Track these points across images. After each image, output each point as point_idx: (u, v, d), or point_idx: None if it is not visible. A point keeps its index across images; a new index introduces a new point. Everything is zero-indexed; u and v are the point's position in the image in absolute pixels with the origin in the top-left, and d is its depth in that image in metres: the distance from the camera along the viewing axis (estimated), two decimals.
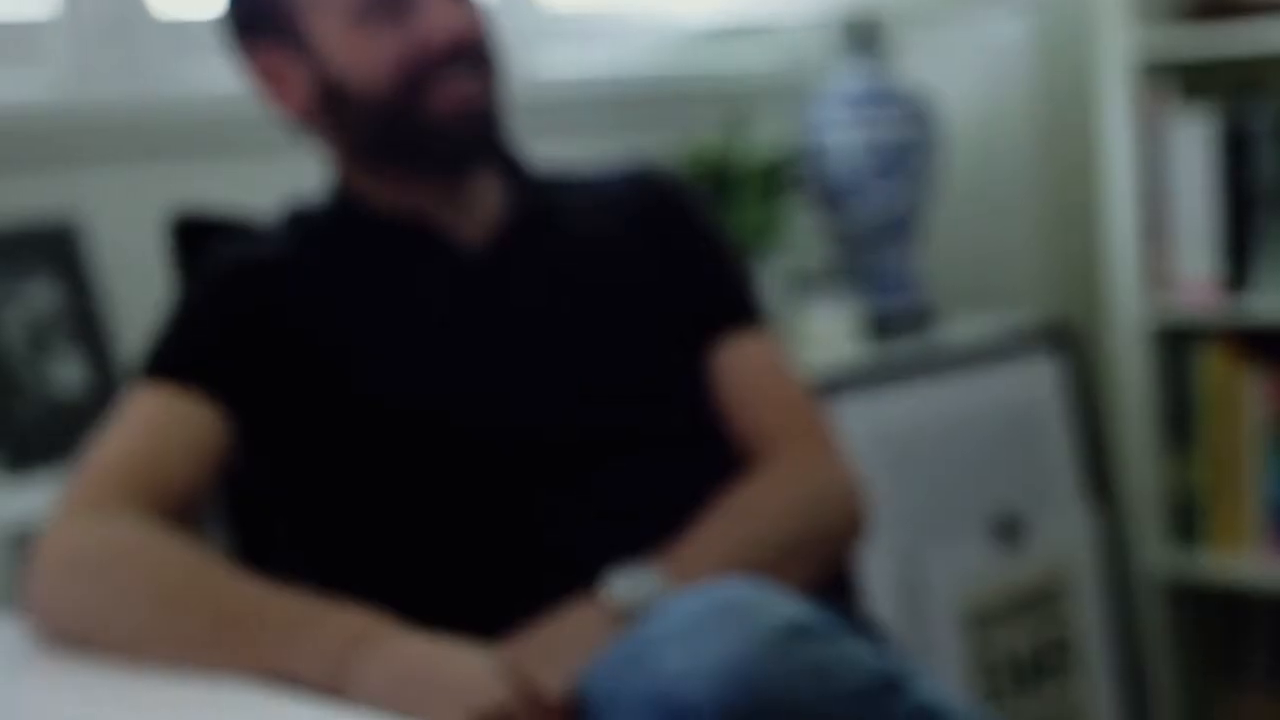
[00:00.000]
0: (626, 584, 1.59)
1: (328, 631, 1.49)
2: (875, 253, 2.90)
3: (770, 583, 1.48)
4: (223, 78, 1.96)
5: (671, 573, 1.61)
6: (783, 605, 1.37)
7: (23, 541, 1.87)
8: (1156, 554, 2.91)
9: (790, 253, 2.94)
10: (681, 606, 1.40)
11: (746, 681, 1.29)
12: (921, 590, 2.64)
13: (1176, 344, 2.90)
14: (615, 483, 1.69)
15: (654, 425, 1.75)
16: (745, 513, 1.70)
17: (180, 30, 2.41)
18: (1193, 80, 2.88)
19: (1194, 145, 2.82)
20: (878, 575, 2.55)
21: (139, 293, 2.14)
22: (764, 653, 1.31)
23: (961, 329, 2.97)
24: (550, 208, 1.83)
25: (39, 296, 2.20)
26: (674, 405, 1.78)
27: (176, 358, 1.72)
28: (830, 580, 1.79)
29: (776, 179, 2.88)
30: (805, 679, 1.31)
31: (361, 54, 1.73)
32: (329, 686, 1.45)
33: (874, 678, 1.34)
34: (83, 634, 1.55)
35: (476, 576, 1.68)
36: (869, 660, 1.36)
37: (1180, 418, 2.90)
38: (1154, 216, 2.86)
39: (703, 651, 1.32)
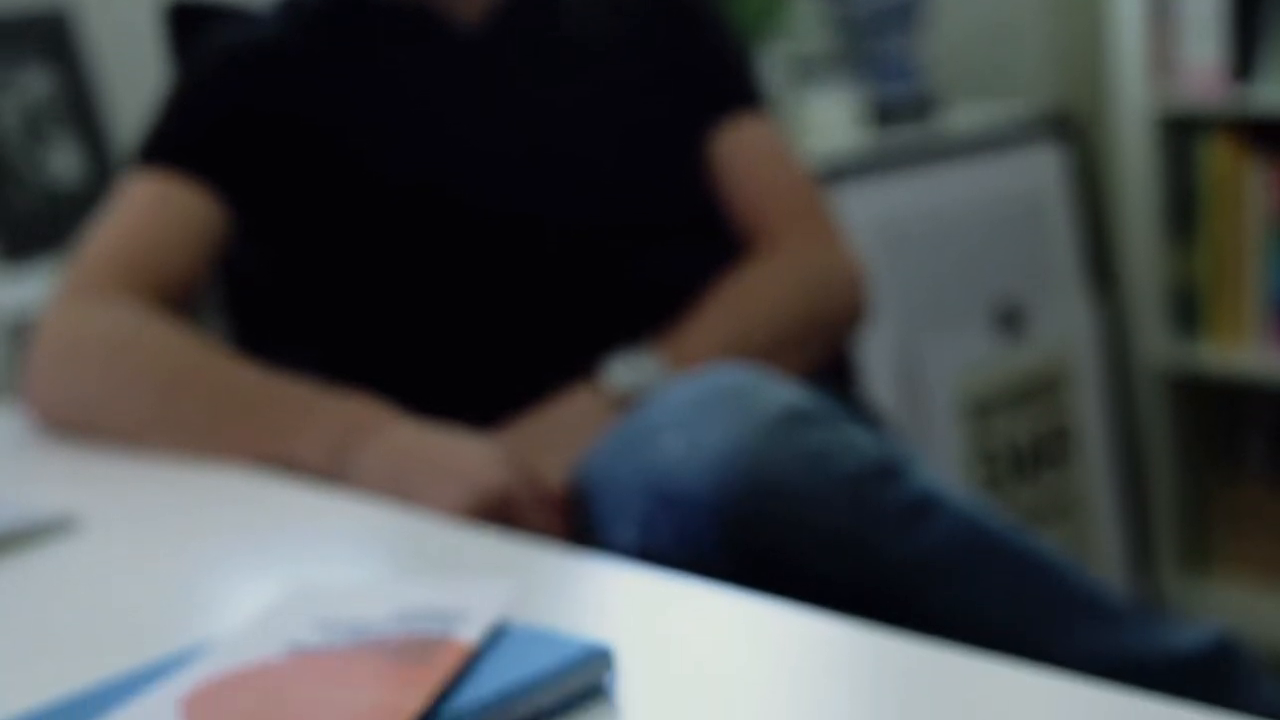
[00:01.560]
0: (625, 370, 1.59)
1: (328, 418, 1.49)
2: (878, 39, 2.88)
3: (769, 368, 1.48)
4: None
5: (670, 358, 1.61)
6: (781, 391, 1.37)
7: (21, 330, 1.87)
8: (1157, 344, 2.92)
9: (792, 39, 2.91)
10: (679, 393, 1.40)
11: (744, 467, 1.29)
12: (921, 379, 2.65)
13: (1181, 133, 2.88)
14: (615, 268, 1.69)
15: (653, 210, 1.74)
16: (745, 298, 1.69)
17: None
18: None
19: None
20: (877, 364, 2.55)
21: (134, 80, 2.13)
22: (761, 438, 1.31)
23: (964, 117, 2.95)
24: None
25: (34, 85, 2.18)
26: (674, 190, 1.77)
27: (172, 144, 1.70)
28: (829, 367, 1.78)
29: None
30: (803, 464, 1.31)
31: None
32: (328, 472, 1.46)
33: (872, 464, 1.34)
34: (82, 421, 1.56)
35: (475, 361, 1.67)
36: (867, 446, 1.35)
37: (1183, 208, 2.89)
38: (1160, 2, 2.83)
39: (700, 438, 1.32)
